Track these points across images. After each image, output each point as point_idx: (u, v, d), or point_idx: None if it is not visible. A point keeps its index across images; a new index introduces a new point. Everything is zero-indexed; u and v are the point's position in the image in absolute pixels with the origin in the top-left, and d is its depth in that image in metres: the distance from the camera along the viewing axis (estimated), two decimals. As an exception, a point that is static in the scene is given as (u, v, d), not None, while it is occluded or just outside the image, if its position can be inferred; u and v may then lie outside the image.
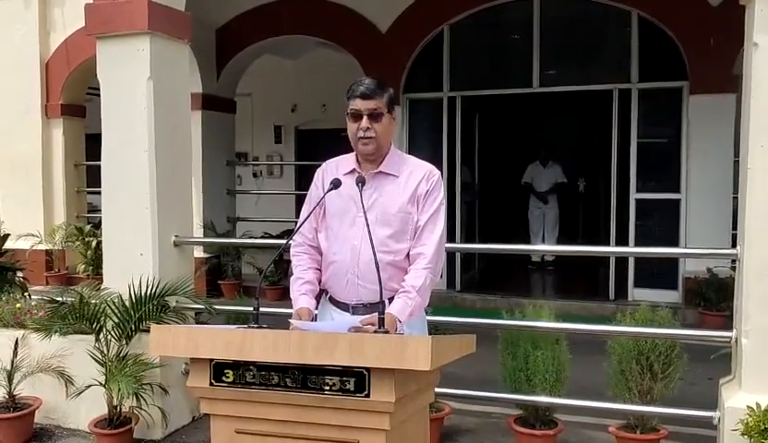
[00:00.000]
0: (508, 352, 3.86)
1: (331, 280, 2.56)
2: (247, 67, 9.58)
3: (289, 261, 7.14)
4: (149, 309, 3.90)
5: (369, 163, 2.55)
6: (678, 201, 7.32)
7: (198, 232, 8.38)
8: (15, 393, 4.18)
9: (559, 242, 9.94)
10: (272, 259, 3.46)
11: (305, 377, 1.91)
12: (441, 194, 2.57)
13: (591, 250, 5.25)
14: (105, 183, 4.34)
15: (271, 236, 9.05)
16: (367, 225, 2.27)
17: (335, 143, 9.91)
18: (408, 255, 2.52)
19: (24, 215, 9.32)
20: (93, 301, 3.96)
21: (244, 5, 8.84)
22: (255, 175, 12.89)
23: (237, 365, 1.96)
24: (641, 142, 7.49)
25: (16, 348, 4.17)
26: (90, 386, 3.91)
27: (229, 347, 1.95)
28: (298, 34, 8.92)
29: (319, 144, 11.72)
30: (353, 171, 2.56)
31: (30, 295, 4.99)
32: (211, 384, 1.99)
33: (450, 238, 8.28)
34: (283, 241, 5.52)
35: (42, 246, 9.19)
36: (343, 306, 2.54)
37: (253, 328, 2.08)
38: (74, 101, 9.38)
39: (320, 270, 2.61)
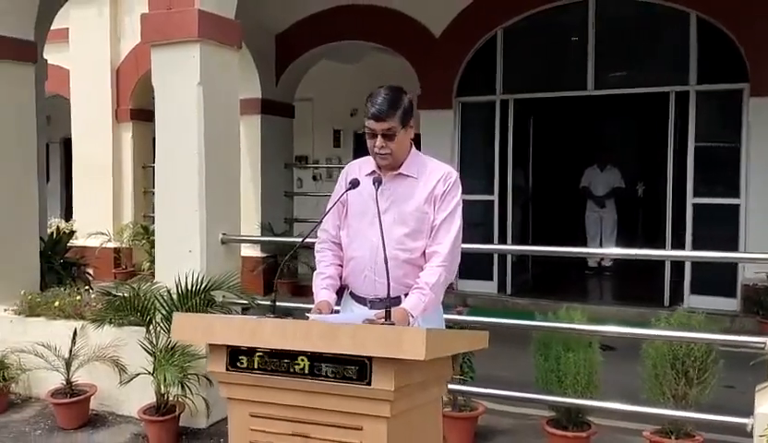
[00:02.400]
0: (540, 353, 3.88)
1: (351, 275, 2.67)
2: (306, 72, 9.82)
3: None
4: (195, 303, 4.10)
5: (390, 166, 2.66)
6: (737, 206, 7.10)
7: (255, 232, 8.70)
8: (72, 380, 4.47)
9: (617, 247, 9.77)
10: (289, 254, 3.58)
11: (312, 365, 2.02)
12: (458, 195, 2.65)
13: (642, 253, 5.12)
14: (159, 183, 4.58)
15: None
16: (380, 224, 2.37)
17: None
18: (424, 253, 2.60)
19: (95, 215, 9.87)
20: (144, 294, 4.19)
21: (303, 11, 9.08)
22: (315, 178, 13.16)
23: (250, 352, 2.09)
24: (698, 146, 7.29)
25: (74, 337, 4.45)
26: (139, 374, 4.15)
27: (242, 334, 2.09)
28: (354, 40, 9.11)
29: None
30: (373, 172, 2.67)
31: (91, 289, 5.29)
32: (227, 369, 2.13)
33: (502, 241, 8.30)
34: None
35: (111, 245, 9.70)
36: (362, 301, 2.65)
37: (268, 317, 2.20)
38: (142, 105, 9.85)
39: (342, 266, 2.72)
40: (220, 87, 4.51)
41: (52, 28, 10.59)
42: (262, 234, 8.70)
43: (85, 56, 10.03)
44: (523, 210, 9.18)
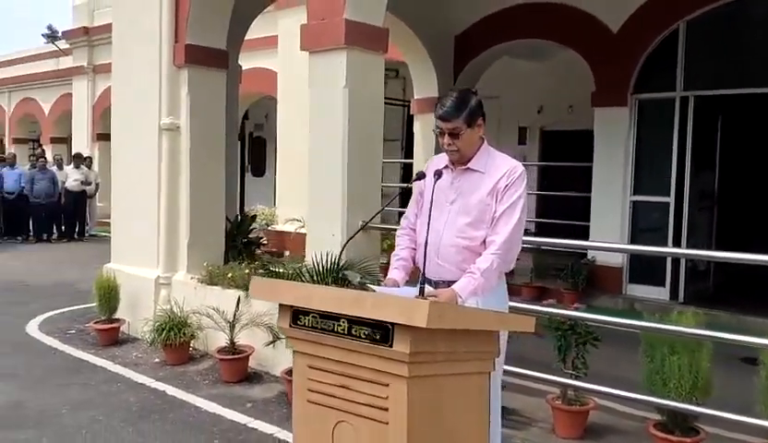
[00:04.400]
0: (646, 354, 3.85)
1: (420, 258, 2.97)
2: (483, 71, 10.04)
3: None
4: (329, 281, 4.61)
5: (460, 162, 2.92)
6: None
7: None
8: (235, 340, 5.23)
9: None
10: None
11: (349, 326, 2.37)
12: (521, 189, 2.83)
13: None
14: (311, 174, 5.17)
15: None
16: (429, 214, 2.66)
17: (581, 144, 10.01)
18: (485, 241, 2.83)
19: (294, 203, 10.96)
20: (292, 271, 4.80)
21: (482, 11, 9.35)
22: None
23: (307, 312, 2.49)
24: None
25: (238, 304, 5.21)
26: (281, 339, 4.75)
27: (299, 297, 2.49)
28: (530, 38, 9.18)
29: (565, 145, 11.85)
30: (446, 166, 2.95)
31: (263, 265, 6.07)
32: (290, 326, 2.55)
33: (675, 245, 7.91)
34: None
35: (304, 230, 10.70)
36: (429, 282, 2.93)
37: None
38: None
39: (416, 250, 3.03)
40: (364, 89, 4.97)
41: (265, 35, 12.03)
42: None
43: (289, 60, 11.15)
44: (708, 215, 8.63)
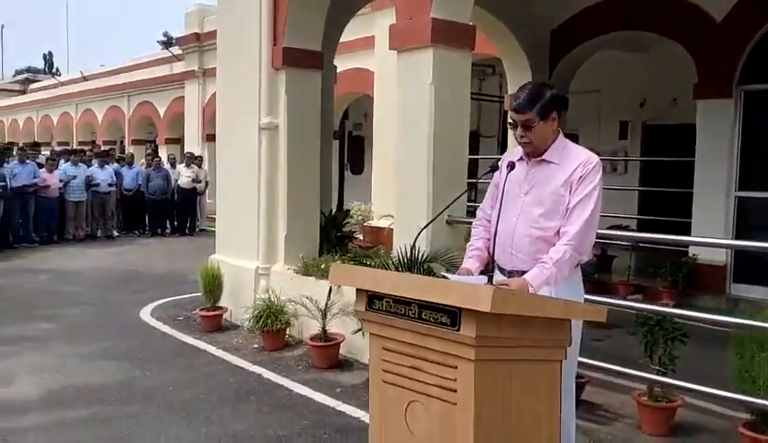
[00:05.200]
0: (736, 352, 3.75)
1: (495, 249, 3.05)
2: (580, 65, 9.88)
3: (607, 257, 7.52)
4: (414, 271, 4.75)
5: (534, 154, 2.98)
6: None
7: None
8: (327, 328, 5.47)
9: None
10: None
11: (420, 311, 2.50)
12: (596, 180, 2.86)
13: None
14: (399, 170, 5.33)
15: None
16: (500, 205, 2.73)
17: (685, 138, 9.72)
18: (558, 232, 2.88)
19: (388, 198, 11.18)
20: (378, 262, 4.98)
21: (579, 4, 9.20)
22: (599, 171, 13.01)
23: (381, 297, 2.64)
24: None
25: (329, 294, 5.44)
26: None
27: (374, 283, 2.65)
28: (630, 30, 8.95)
29: (668, 139, 11.44)
30: (521, 159, 3.02)
31: (353, 257, 6.29)
32: (366, 309, 2.71)
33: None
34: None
35: (398, 226, 10.90)
36: (503, 271, 3.02)
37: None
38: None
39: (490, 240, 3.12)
40: (451, 86, 5.07)
41: (364, 36, 12.32)
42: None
43: (385, 60, 11.36)
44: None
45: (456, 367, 2.44)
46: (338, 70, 12.92)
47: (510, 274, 2.96)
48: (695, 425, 4.22)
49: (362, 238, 10.70)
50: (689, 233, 8.27)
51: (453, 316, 2.39)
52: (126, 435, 4.12)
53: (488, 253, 3.12)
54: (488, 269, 2.70)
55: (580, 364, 4.52)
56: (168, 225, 15.30)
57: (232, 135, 7.08)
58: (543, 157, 2.96)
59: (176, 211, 15.21)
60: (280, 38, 6.41)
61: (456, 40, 5.05)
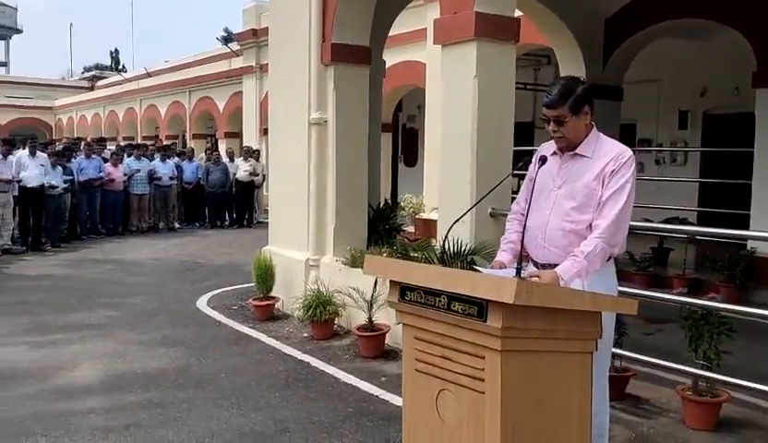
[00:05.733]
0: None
1: (527, 242, 3.09)
2: (636, 54, 9.67)
3: (663, 249, 7.42)
4: (456, 264, 4.81)
5: (567, 148, 3.01)
6: None
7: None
8: (373, 319, 5.59)
9: None
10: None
11: (449, 302, 2.57)
12: (628, 174, 2.87)
13: None
14: (443, 162, 5.39)
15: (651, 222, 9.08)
16: (530, 199, 2.77)
17: (748, 128, 9.48)
18: (590, 225, 2.90)
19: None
20: (421, 254, 5.06)
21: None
22: (657, 162, 12.73)
23: (413, 288, 2.73)
24: None
25: (375, 285, 5.55)
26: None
27: (405, 274, 2.73)
28: (687, 17, 8.72)
29: (730, 129, 11.12)
30: (554, 153, 3.05)
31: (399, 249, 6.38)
32: (398, 300, 2.80)
33: None
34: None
35: (449, 218, 10.94)
36: (536, 264, 3.06)
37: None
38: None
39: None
40: (495, 79, 5.09)
41: (416, 28, 12.37)
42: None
43: (436, 52, 11.37)
44: None
45: (484, 357, 2.51)
46: (391, 63, 12.97)
47: (543, 268, 3.00)
48: (742, 421, 4.15)
49: (413, 230, 10.78)
50: (748, 226, 8.05)
51: (480, 307, 2.45)
52: (179, 418, 4.32)
53: (522, 246, 3.16)
54: (519, 262, 2.74)
55: (626, 357, 4.54)
56: (227, 217, 15.72)
57: (283, 130, 7.26)
58: (576, 151, 2.98)
59: (235, 204, 15.62)
60: (328, 34, 6.54)
61: (500, 33, 5.06)
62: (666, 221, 9.43)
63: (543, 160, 2.95)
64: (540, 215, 3.01)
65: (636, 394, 4.57)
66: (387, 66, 12.26)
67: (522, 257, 3.14)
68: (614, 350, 4.50)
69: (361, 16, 6.58)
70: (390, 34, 10.04)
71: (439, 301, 2.61)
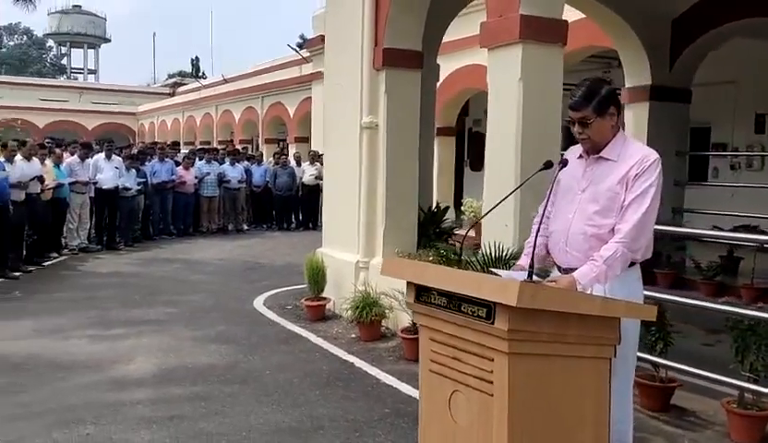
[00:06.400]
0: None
1: (551, 246, 3.06)
2: (705, 56, 9.32)
3: (733, 258, 7.18)
4: (497, 268, 4.77)
5: (593, 150, 2.96)
6: None
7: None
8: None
9: None
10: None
11: (460, 304, 2.59)
12: (652, 178, 2.81)
13: None
14: (488, 165, 5.36)
15: (720, 230, 8.73)
16: (546, 203, 2.74)
17: None
18: (613, 230, 2.85)
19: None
20: (464, 258, 5.04)
21: (705, -9, 8.71)
22: (732, 168, 12.23)
23: (428, 289, 2.75)
24: None
25: (419, 288, 5.57)
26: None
27: (420, 276, 2.76)
28: (761, 17, 8.34)
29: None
30: (580, 156, 3.01)
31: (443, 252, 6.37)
32: (415, 301, 2.83)
33: None
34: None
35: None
36: (559, 269, 3.02)
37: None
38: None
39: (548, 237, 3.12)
40: (541, 81, 5.03)
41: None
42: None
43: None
44: None
45: (492, 360, 2.51)
46: (457, 66, 12.99)
47: (566, 272, 2.96)
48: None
49: (474, 234, 10.70)
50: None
51: (489, 309, 2.45)
52: (221, 411, 4.47)
53: (546, 250, 3.13)
54: (531, 265, 2.71)
55: (672, 368, 4.40)
56: (293, 220, 16.04)
57: (336, 133, 7.38)
58: (601, 154, 2.94)
59: (301, 207, 15.92)
60: (381, 39, 6.61)
61: (546, 35, 5.01)
62: (736, 229, 9.03)
63: (564, 163, 2.91)
64: (563, 219, 2.98)
65: (681, 406, 4.43)
66: (452, 70, 12.25)
67: (536, 260, 3.11)
68: (658, 360, 4.40)
69: (413, 20, 6.62)
70: (455, 38, 10.05)
71: (451, 303, 2.63)
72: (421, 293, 2.79)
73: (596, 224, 2.88)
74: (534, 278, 2.82)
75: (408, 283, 2.87)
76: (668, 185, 9.10)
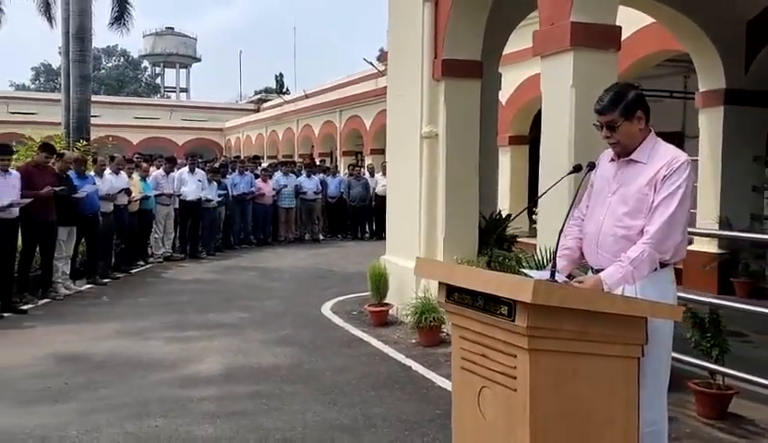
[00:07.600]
0: None
1: (584, 248, 3.12)
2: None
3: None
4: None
5: (623, 153, 3.01)
6: None
7: (713, 226, 8.54)
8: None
9: None
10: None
11: (485, 302, 2.69)
12: (681, 179, 2.83)
13: None
14: (542, 172, 5.40)
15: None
16: (571, 205, 2.81)
17: None
18: (642, 231, 2.88)
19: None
20: (518, 261, 5.12)
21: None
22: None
23: (457, 289, 2.87)
24: None
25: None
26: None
27: (448, 276, 2.89)
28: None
29: None
30: (612, 159, 3.07)
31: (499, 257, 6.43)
32: (445, 300, 2.95)
33: None
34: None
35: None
36: (591, 270, 3.07)
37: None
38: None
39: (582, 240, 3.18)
40: (592, 87, 4.99)
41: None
42: (720, 229, 8.45)
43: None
44: None
45: (515, 356, 2.60)
46: (528, 74, 12.93)
47: (596, 273, 3.01)
48: None
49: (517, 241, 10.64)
50: None
51: (510, 307, 2.55)
52: (280, 408, 4.70)
53: (580, 252, 3.19)
54: (554, 264, 2.79)
55: (729, 375, 4.32)
56: (367, 229, 16.35)
57: (398, 144, 7.57)
58: (631, 157, 2.98)
59: (375, 217, 16.20)
60: (440, 50, 6.76)
61: (598, 41, 5.01)
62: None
63: (591, 166, 2.97)
64: (595, 221, 3.04)
65: (739, 414, 4.33)
66: (523, 79, 12.23)
67: (571, 262, 3.19)
68: (714, 367, 4.33)
69: (472, 31, 6.74)
70: (524, 47, 10.01)
71: (477, 301, 2.74)
72: (451, 293, 2.91)
73: (626, 226, 2.92)
74: (558, 277, 2.91)
75: (440, 283, 3.00)
76: (746, 190, 8.92)
